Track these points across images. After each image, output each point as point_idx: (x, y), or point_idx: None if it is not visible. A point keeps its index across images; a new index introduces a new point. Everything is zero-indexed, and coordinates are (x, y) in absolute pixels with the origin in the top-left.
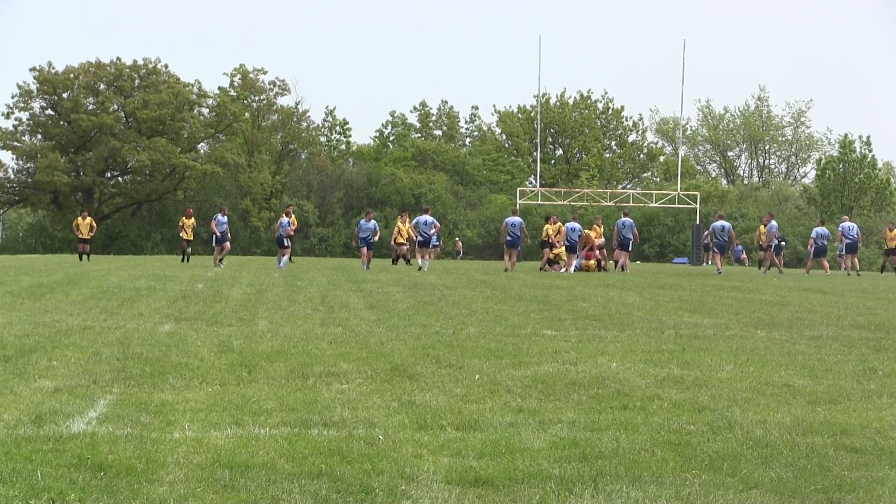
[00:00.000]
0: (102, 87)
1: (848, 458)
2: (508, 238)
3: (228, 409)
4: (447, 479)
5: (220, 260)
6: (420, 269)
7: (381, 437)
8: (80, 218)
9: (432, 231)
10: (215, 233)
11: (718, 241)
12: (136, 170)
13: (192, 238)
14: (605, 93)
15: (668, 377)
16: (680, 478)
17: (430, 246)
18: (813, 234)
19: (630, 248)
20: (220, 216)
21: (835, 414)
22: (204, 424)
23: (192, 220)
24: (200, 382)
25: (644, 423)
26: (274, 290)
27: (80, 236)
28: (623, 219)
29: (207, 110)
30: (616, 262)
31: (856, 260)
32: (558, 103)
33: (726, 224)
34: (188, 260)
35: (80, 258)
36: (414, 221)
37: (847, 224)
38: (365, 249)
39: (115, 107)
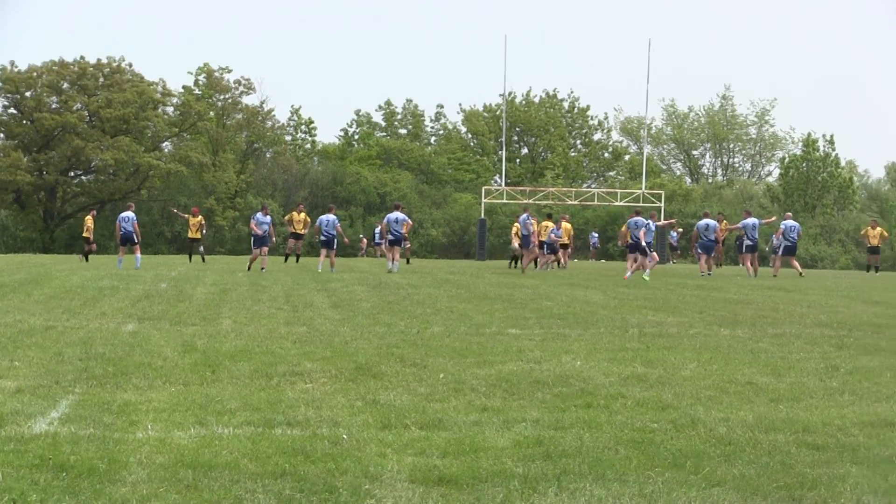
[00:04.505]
0: (66, 85)
1: (810, 455)
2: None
3: (192, 409)
4: (411, 478)
5: (258, 265)
6: (389, 270)
7: (345, 436)
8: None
9: (404, 229)
10: (255, 233)
11: (703, 240)
12: (99, 169)
13: (199, 237)
14: (571, 92)
15: (631, 375)
16: (643, 476)
17: (402, 245)
18: (782, 227)
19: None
20: (259, 215)
21: (797, 411)
22: (167, 424)
23: (199, 218)
24: (164, 382)
25: (608, 421)
26: (238, 290)
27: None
28: (635, 218)
29: (172, 109)
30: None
31: (793, 262)
32: (524, 102)
33: (711, 222)
34: (192, 259)
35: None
36: (385, 219)
37: (790, 223)
38: (325, 249)
39: (79, 106)
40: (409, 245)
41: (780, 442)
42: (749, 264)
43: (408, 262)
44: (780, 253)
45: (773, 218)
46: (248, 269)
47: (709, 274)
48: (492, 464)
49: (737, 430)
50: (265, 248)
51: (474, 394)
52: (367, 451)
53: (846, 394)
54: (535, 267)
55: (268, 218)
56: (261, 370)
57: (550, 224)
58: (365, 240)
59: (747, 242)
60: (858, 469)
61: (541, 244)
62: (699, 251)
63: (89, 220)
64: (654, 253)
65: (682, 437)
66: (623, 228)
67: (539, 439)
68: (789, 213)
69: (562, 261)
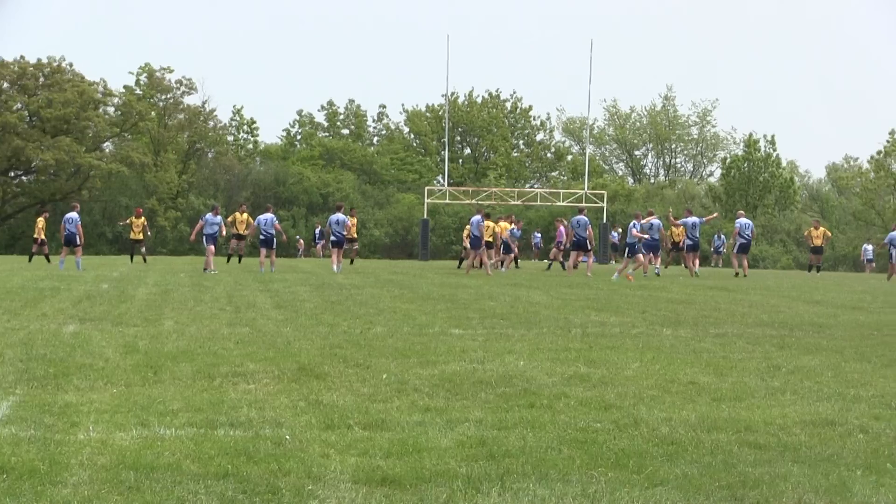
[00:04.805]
0: (6, 85)
1: (752, 454)
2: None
3: (134, 410)
4: (354, 478)
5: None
6: (335, 271)
7: (287, 437)
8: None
9: (347, 231)
10: (205, 233)
11: (648, 240)
12: (40, 169)
13: (141, 238)
14: (514, 92)
15: (574, 375)
16: (586, 475)
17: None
18: (737, 226)
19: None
20: (210, 215)
21: (739, 411)
22: (109, 426)
23: (142, 219)
24: (105, 383)
25: (551, 421)
26: (180, 290)
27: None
28: (578, 217)
29: (113, 109)
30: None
31: (745, 260)
32: (466, 102)
33: (655, 221)
34: (133, 260)
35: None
36: (328, 221)
37: (744, 221)
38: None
39: (19, 105)
40: (356, 246)
41: (723, 441)
42: (690, 263)
43: (351, 262)
44: (736, 251)
45: (714, 215)
46: (206, 269)
47: (656, 272)
48: (435, 464)
49: (679, 430)
50: (212, 248)
51: (417, 394)
52: (310, 451)
53: (788, 393)
54: (502, 267)
55: (218, 218)
56: (203, 371)
57: (507, 225)
58: (301, 241)
59: (688, 242)
60: (800, 468)
61: (488, 244)
62: (644, 250)
63: (41, 221)
64: (640, 255)
65: (624, 437)
66: (589, 230)
67: (482, 439)
68: (742, 212)
69: (506, 261)
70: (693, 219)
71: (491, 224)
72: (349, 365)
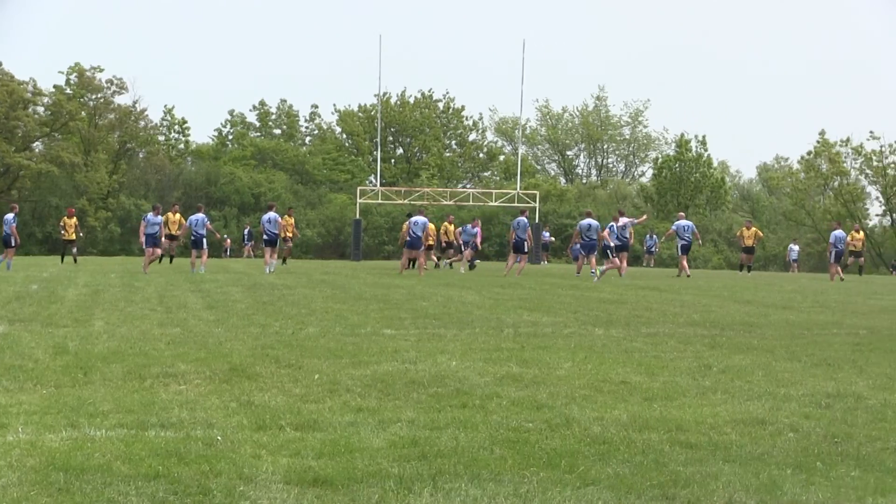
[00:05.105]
0: None
1: (683, 453)
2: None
3: (63, 412)
4: (286, 479)
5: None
6: (266, 272)
7: (219, 437)
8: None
9: (283, 231)
10: (146, 233)
11: (586, 240)
12: None
13: (74, 238)
14: (447, 92)
15: (506, 375)
16: (518, 475)
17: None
18: (674, 228)
19: (526, 250)
20: (150, 216)
21: (670, 410)
22: (38, 427)
23: (74, 219)
24: (35, 384)
25: (483, 421)
26: (111, 291)
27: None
28: (519, 218)
29: (43, 109)
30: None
31: (684, 261)
32: (399, 102)
33: (593, 222)
34: (63, 260)
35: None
36: (260, 220)
37: (683, 223)
38: (194, 250)
39: None
40: (289, 245)
41: (654, 440)
42: (622, 263)
43: (283, 261)
44: (679, 252)
45: (644, 217)
46: (145, 271)
47: (592, 273)
48: (367, 464)
49: (611, 429)
50: (158, 250)
51: (350, 394)
52: (242, 452)
53: (719, 392)
54: (465, 267)
55: (159, 218)
56: (134, 372)
57: (451, 226)
58: (229, 240)
59: (617, 242)
60: (730, 467)
61: (448, 244)
62: (582, 251)
63: (71, 220)
64: (616, 258)
65: (556, 437)
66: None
67: (414, 439)
68: (682, 213)
69: (440, 260)
70: (624, 219)
71: (446, 225)
72: (281, 365)
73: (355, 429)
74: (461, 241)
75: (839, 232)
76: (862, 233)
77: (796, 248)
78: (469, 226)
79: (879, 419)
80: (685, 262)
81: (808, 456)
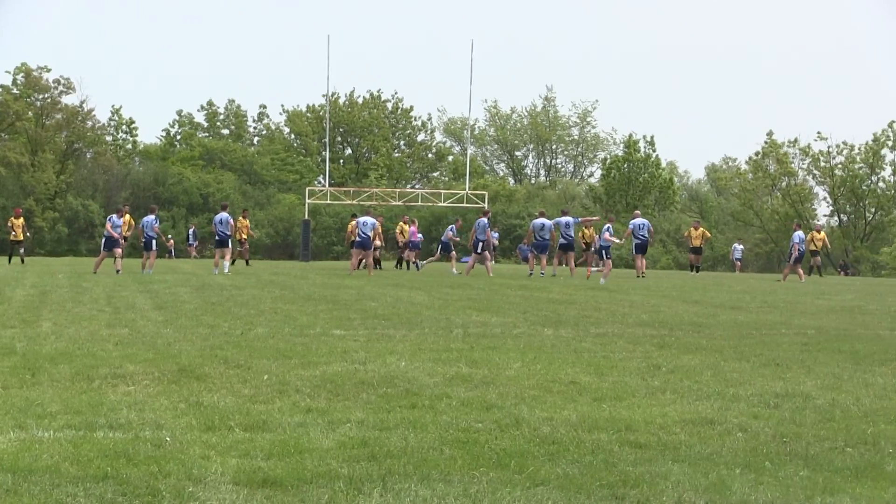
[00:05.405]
0: None
1: (632, 453)
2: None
3: (11, 413)
4: (235, 480)
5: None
6: (215, 273)
7: (168, 438)
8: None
9: (233, 231)
10: (111, 234)
11: (538, 240)
12: None
13: (21, 238)
14: (395, 93)
15: (456, 376)
16: (468, 475)
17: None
18: (631, 226)
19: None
20: (115, 217)
21: (620, 410)
22: None
23: (22, 219)
24: None
25: (433, 421)
26: (58, 292)
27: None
28: (479, 219)
29: None
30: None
31: (641, 260)
32: (347, 103)
33: (546, 222)
34: (11, 261)
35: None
36: (213, 221)
37: (639, 221)
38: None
39: None
40: (246, 247)
41: (603, 441)
42: (569, 263)
43: (233, 262)
44: (635, 252)
45: (596, 218)
46: (95, 271)
47: (542, 273)
48: (316, 465)
49: (560, 430)
50: (118, 251)
51: (299, 395)
52: (191, 453)
53: (668, 392)
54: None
55: (121, 220)
56: (82, 373)
57: (407, 227)
58: (172, 241)
59: (561, 241)
60: (679, 466)
61: (405, 244)
62: (534, 251)
63: (18, 221)
64: (609, 260)
65: (506, 437)
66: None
67: (364, 440)
68: (638, 212)
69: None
70: (567, 218)
71: (401, 225)
72: (230, 366)
73: (305, 429)
74: (444, 242)
75: (800, 233)
76: (823, 233)
77: (740, 247)
78: (454, 226)
79: (828, 419)
80: (641, 262)
81: (756, 455)
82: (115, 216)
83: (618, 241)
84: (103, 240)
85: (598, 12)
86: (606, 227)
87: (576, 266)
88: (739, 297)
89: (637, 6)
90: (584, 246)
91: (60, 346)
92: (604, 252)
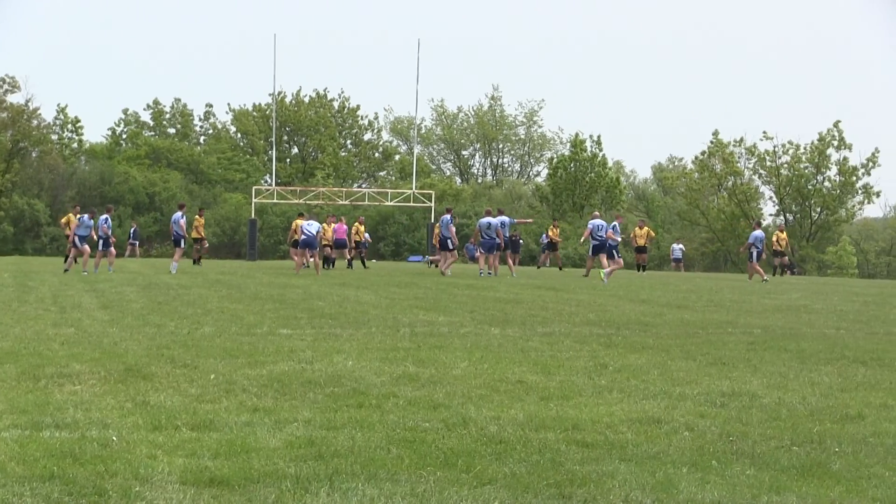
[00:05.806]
0: None
1: (579, 452)
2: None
3: None
4: (182, 479)
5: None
6: (171, 272)
7: (114, 438)
8: None
9: (190, 231)
10: (78, 233)
11: (485, 239)
12: None
13: None
14: (342, 92)
15: (403, 375)
16: (415, 475)
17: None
18: (590, 227)
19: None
20: (86, 217)
21: (567, 409)
22: None
23: None
24: None
25: (380, 421)
26: (4, 291)
27: None
28: (443, 216)
29: None
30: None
31: (605, 260)
32: (294, 102)
33: (493, 220)
34: None
35: None
36: (171, 219)
37: (597, 222)
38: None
39: None
40: (206, 245)
41: (550, 440)
42: (510, 263)
43: (199, 260)
44: (590, 252)
45: (530, 220)
46: (68, 267)
47: (489, 273)
48: (263, 464)
49: (507, 429)
50: (87, 248)
51: (246, 394)
52: (138, 452)
53: (615, 391)
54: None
55: (91, 222)
56: (28, 372)
57: (363, 228)
58: (114, 239)
59: (483, 239)
60: (627, 465)
61: (358, 243)
62: (481, 250)
63: None
64: (620, 259)
65: (453, 436)
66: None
67: (311, 439)
68: (597, 213)
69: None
70: (502, 218)
71: (357, 225)
72: (177, 365)
73: (251, 429)
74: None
75: (759, 232)
76: (785, 233)
77: (678, 247)
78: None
79: (774, 418)
80: (604, 261)
81: (703, 454)
82: (86, 216)
83: (581, 240)
84: (77, 238)
85: (544, 11)
86: (613, 225)
87: (538, 267)
88: (686, 296)
89: (583, 5)
90: (544, 245)
91: (6, 345)
92: (614, 252)
